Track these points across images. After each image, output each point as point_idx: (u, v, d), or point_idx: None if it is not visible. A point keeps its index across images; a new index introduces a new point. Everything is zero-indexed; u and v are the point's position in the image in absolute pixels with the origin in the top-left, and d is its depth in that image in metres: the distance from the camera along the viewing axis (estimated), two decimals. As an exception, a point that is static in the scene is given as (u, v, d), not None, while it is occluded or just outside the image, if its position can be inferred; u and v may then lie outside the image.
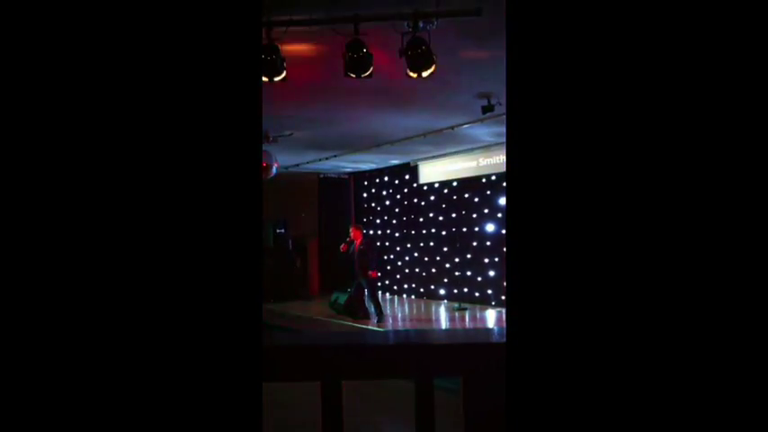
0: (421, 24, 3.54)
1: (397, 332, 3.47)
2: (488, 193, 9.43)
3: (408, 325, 8.73)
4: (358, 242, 8.43)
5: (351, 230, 8.71)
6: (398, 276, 11.45)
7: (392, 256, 11.61)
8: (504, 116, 1.03)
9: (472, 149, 9.21)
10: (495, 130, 7.45)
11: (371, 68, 3.75)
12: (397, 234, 11.52)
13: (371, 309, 8.38)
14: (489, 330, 1.90)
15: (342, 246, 8.71)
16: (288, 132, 7.37)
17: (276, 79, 3.81)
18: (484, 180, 9.42)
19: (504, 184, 7.75)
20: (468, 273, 9.78)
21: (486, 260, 9.40)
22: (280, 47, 3.69)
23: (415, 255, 11.04)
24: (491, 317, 8.69)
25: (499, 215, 9.19)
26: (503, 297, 8.70)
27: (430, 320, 8.93)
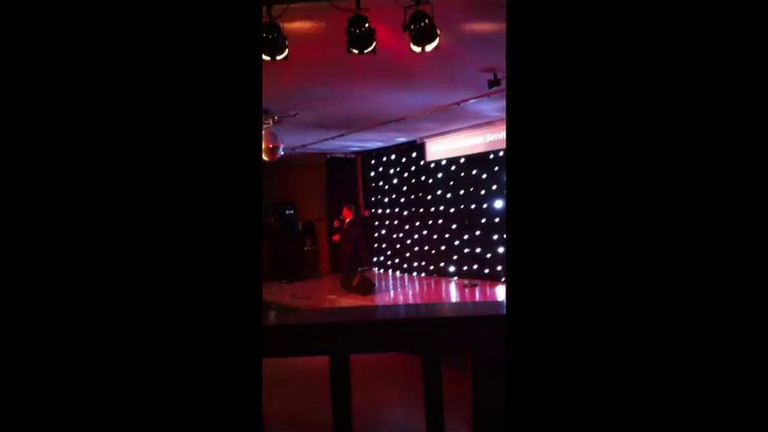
0: (424, -3, 3.48)
1: (406, 307, 3.48)
2: (496, 169, 9.37)
3: (419, 303, 8.79)
4: (348, 220, 9.56)
5: (344, 210, 9.79)
6: (408, 255, 11.48)
7: (401, 235, 11.62)
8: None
9: (479, 125, 9.13)
10: (502, 105, 7.36)
11: (374, 44, 3.70)
12: (405, 212, 11.52)
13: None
14: (498, 303, 1.90)
15: (335, 222, 10.00)
16: (293, 113, 7.33)
17: (278, 58, 3.77)
18: (492, 156, 9.35)
19: (512, 159, 7.72)
20: (478, 250, 9.78)
21: (496, 237, 9.38)
22: (281, 24, 3.65)
23: (424, 233, 11.04)
24: (502, 293, 8.71)
25: (508, 191, 9.12)
26: (512, 273, 8.69)
27: (440, 298, 8.97)
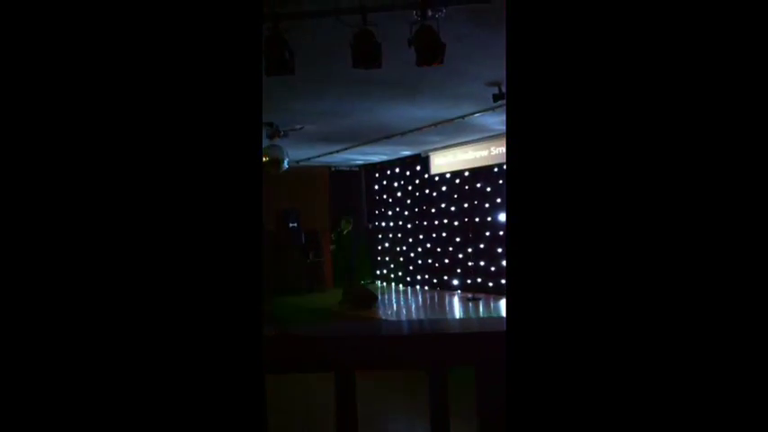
0: (429, 13, 3.51)
1: (410, 322, 3.47)
2: (500, 182, 9.36)
3: (422, 316, 8.75)
4: (346, 231, 9.80)
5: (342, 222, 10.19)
6: (411, 267, 11.45)
7: (405, 248, 11.61)
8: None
9: (483, 138, 9.15)
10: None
11: (380, 59, 3.73)
12: (409, 225, 11.51)
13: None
14: (503, 319, 1.89)
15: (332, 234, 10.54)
16: (298, 126, 7.37)
17: (284, 73, 3.79)
18: (496, 169, 9.36)
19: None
20: (482, 263, 9.76)
21: (500, 250, 9.36)
22: (287, 40, 3.68)
23: (428, 246, 11.03)
24: (505, 307, 8.66)
25: (512, 204, 9.10)
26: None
27: (444, 312, 8.92)
